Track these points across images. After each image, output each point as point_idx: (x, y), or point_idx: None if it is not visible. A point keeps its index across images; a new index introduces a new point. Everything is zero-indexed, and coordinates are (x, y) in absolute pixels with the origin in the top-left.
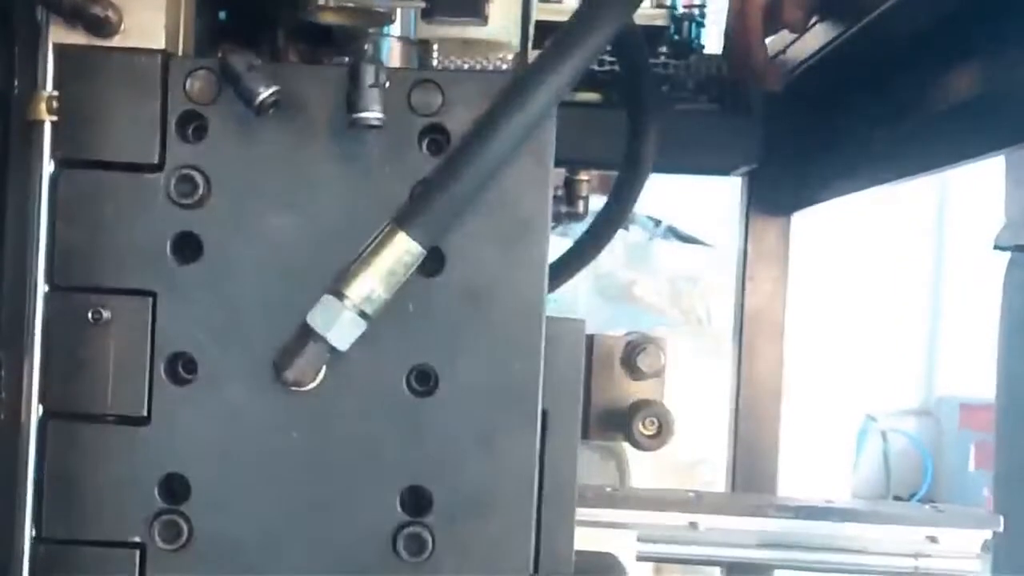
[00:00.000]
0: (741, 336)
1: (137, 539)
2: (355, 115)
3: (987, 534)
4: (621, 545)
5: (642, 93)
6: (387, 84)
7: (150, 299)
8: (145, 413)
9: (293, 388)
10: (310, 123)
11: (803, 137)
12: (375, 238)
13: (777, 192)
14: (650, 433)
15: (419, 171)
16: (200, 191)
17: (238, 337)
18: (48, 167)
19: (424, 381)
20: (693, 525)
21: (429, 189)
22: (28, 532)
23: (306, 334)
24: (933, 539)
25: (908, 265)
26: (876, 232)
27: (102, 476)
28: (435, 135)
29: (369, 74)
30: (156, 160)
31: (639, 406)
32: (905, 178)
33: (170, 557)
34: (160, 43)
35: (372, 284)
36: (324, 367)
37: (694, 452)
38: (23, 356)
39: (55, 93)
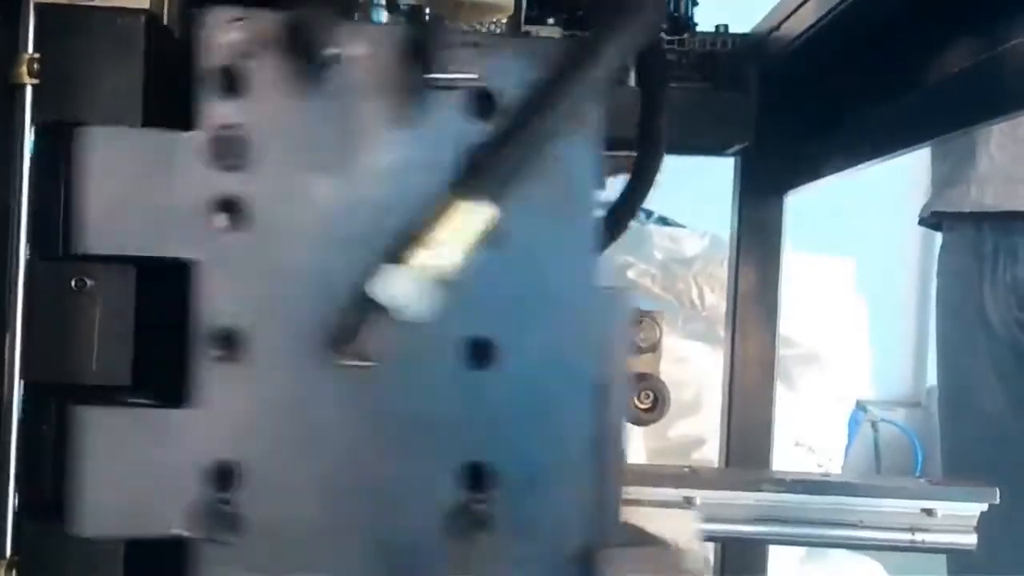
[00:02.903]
0: (734, 318)
1: (181, 532)
2: (430, 76)
3: (983, 507)
4: (680, 525)
5: (656, 67)
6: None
7: (190, 269)
8: (185, 393)
9: (354, 363)
10: (358, 83)
11: (796, 115)
12: (439, 204)
13: (770, 172)
14: (646, 407)
15: (466, 135)
16: (241, 153)
17: (284, 311)
18: (30, 132)
19: (482, 353)
20: (688, 500)
21: (494, 154)
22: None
23: (369, 306)
24: (930, 512)
25: (897, 254)
26: (861, 223)
27: (138, 465)
28: (481, 100)
29: (444, 33)
30: (140, 124)
31: (635, 380)
32: (900, 151)
33: (218, 548)
34: (144, 3)
35: (440, 252)
36: (384, 341)
37: (690, 434)
38: (7, 329)
39: (36, 55)
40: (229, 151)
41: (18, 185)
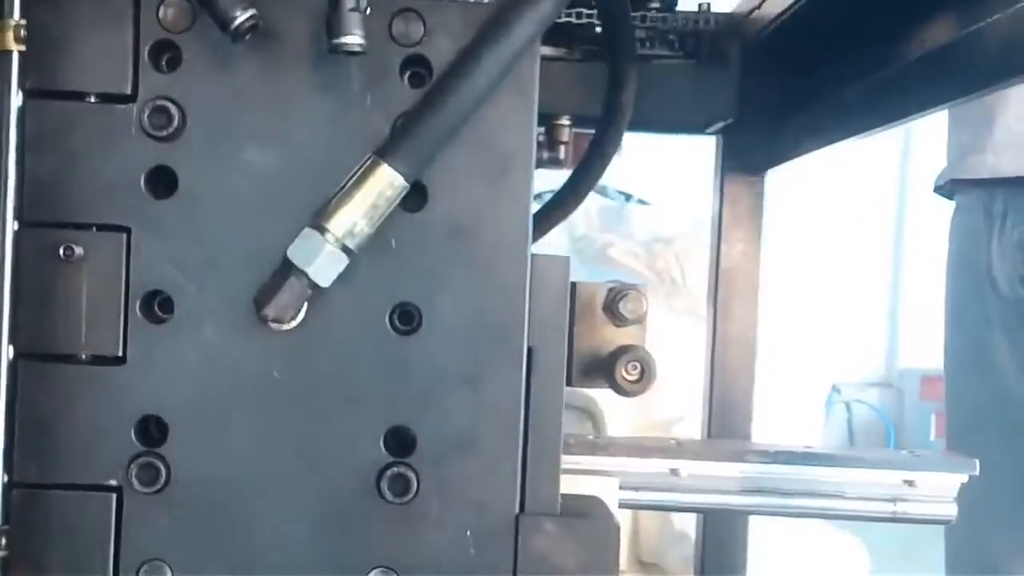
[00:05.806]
0: (716, 295)
1: (114, 482)
2: (335, 40)
3: (963, 478)
4: (603, 492)
5: (621, 41)
6: (368, 11)
7: (124, 235)
8: (120, 353)
9: (273, 326)
10: (288, 51)
11: (776, 93)
12: (357, 170)
13: (751, 150)
14: (633, 378)
15: (400, 103)
16: (175, 123)
17: (216, 274)
18: (16, 98)
19: (407, 319)
20: (675, 471)
21: (412, 121)
22: (0, 477)
23: (287, 270)
24: (911, 483)
25: (869, 243)
26: (837, 211)
27: (76, 418)
28: (416, 67)
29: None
30: (128, 91)
31: (621, 352)
32: (878, 129)
33: (148, 500)
34: None
35: (354, 218)
36: (306, 305)
37: (670, 411)
38: None
39: (23, 21)
40: (161, 122)
41: (5, 152)
